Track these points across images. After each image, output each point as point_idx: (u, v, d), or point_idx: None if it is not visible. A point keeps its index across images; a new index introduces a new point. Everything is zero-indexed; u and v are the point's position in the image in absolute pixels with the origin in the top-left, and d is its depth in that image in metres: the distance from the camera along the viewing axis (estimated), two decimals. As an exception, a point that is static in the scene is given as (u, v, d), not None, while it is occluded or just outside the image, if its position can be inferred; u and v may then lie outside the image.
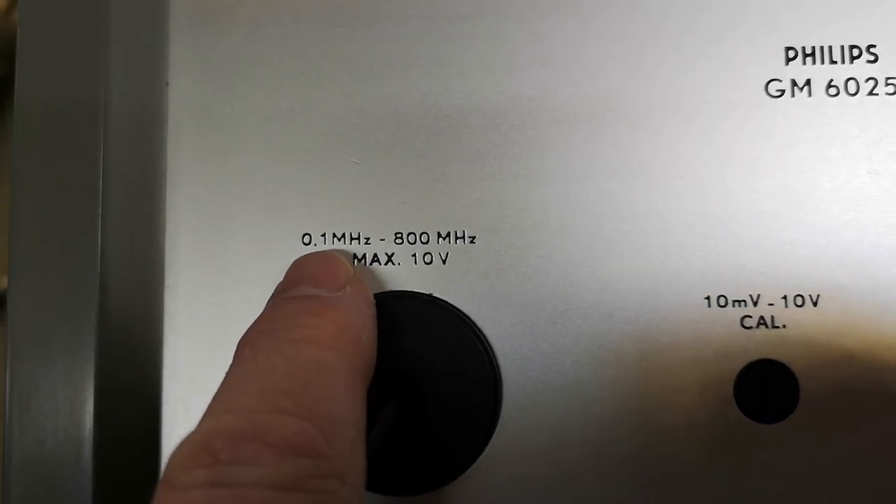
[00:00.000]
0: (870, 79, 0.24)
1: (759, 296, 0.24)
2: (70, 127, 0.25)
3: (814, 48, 0.25)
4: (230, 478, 0.18)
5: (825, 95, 0.24)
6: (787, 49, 0.25)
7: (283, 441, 0.18)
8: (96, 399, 0.24)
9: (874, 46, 0.25)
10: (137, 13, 0.26)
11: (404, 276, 0.25)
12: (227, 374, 0.21)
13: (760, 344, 0.24)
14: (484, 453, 0.24)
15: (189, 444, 0.19)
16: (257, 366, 0.21)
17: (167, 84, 0.26)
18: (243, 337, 0.22)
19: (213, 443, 0.18)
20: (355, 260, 0.25)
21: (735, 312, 0.24)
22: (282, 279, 0.24)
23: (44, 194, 0.25)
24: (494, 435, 0.24)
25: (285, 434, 0.19)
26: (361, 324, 0.23)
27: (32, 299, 0.25)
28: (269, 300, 0.24)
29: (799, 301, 0.24)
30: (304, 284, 0.23)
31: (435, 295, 0.25)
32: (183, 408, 0.25)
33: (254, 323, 0.23)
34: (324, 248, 0.25)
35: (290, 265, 0.24)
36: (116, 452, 0.25)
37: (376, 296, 0.24)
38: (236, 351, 0.22)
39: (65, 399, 0.24)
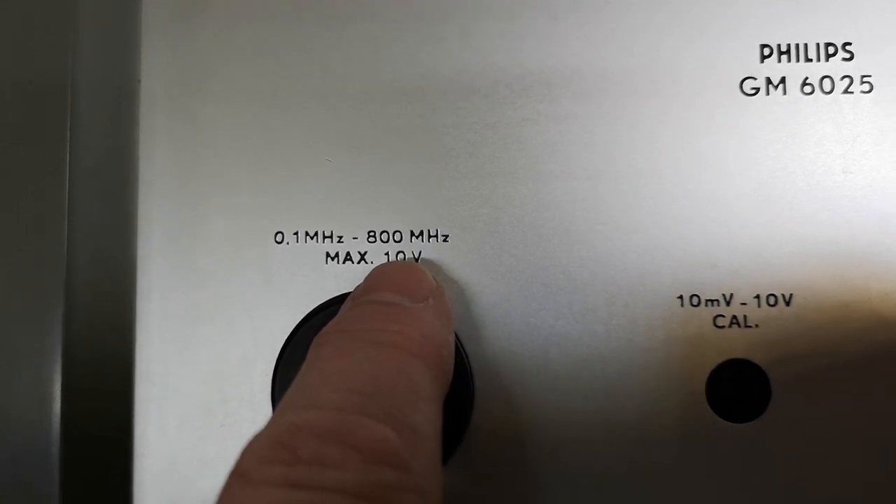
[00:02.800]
0: (845, 77, 0.24)
1: (731, 295, 0.24)
2: (36, 123, 0.25)
3: (789, 46, 0.24)
4: (311, 479, 0.17)
5: (800, 93, 0.24)
6: (763, 47, 0.24)
7: (368, 446, 0.17)
8: (63, 400, 0.24)
9: (850, 44, 0.24)
10: (109, 7, 0.26)
11: (377, 274, 0.25)
12: (303, 369, 0.20)
13: (733, 343, 0.24)
14: (458, 449, 0.24)
15: (266, 438, 0.18)
16: (338, 364, 0.20)
17: (139, 80, 0.26)
18: (320, 335, 0.21)
19: (294, 438, 0.17)
20: (327, 258, 0.25)
21: (708, 312, 0.24)
22: (361, 283, 0.23)
23: (8, 192, 0.24)
24: (468, 431, 0.24)
25: (371, 439, 0.18)
26: (443, 338, 0.22)
27: None
28: (346, 303, 0.23)
29: (772, 301, 0.24)
30: (386, 291, 0.22)
31: (408, 294, 0.25)
32: (156, 407, 0.25)
33: (331, 322, 0.22)
34: (296, 247, 0.25)
35: (371, 270, 0.24)
36: (85, 453, 0.25)
37: (346, 294, 0.24)
38: (312, 347, 0.21)
39: (32, 401, 0.24)
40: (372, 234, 0.25)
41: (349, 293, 0.24)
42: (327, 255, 0.25)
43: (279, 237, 0.25)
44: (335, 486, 0.17)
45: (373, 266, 0.25)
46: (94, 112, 0.25)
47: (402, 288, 0.22)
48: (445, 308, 0.23)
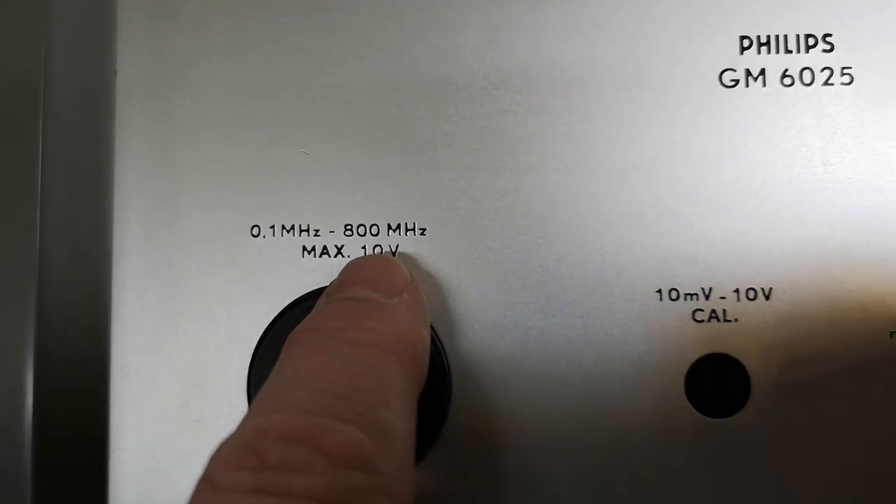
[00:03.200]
0: (825, 68, 0.24)
1: (710, 289, 0.24)
2: (8, 116, 0.24)
3: (769, 37, 0.24)
4: (278, 485, 0.17)
5: (780, 85, 0.24)
6: (742, 38, 0.24)
7: (336, 449, 0.17)
8: (36, 396, 0.24)
9: (830, 35, 0.24)
10: (83, 4, 0.26)
11: (354, 268, 0.25)
12: (275, 370, 0.20)
13: (712, 338, 0.24)
14: (435, 444, 0.24)
15: (234, 442, 0.18)
16: (310, 364, 0.19)
17: (115, 73, 0.26)
18: (294, 333, 0.21)
19: (261, 443, 0.17)
20: (304, 252, 0.25)
21: (687, 306, 0.24)
22: (335, 278, 0.23)
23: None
24: (445, 426, 0.24)
25: (339, 442, 0.17)
26: (417, 333, 0.22)
27: None
28: (321, 299, 0.23)
29: (751, 294, 0.24)
30: (360, 286, 0.22)
31: (385, 288, 0.24)
32: (131, 402, 0.25)
33: (305, 320, 0.22)
34: (272, 241, 0.25)
35: (345, 265, 0.23)
36: (60, 448, 0.25)
37: (322, 288, 0.24)
38: (285, 347, 0.21)
39: (3, 398, 0.24)
40: (349, 227, 0.25)
41: (326, 287, 0.24)
42: (304, 248, 0.25)
43: (255, 231, 0.25)
44: (303, 492, 0.17)
45: (350, 259, 0.25)
46: (68, 105, 0.25)
47: (375, 283, 0.22)
48: (420, 302, 0.23)
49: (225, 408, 0.25)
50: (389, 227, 0.25)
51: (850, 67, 0.24)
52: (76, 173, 0.25)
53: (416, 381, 0.21)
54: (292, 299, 0.25)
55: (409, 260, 0.24)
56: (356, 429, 0.18)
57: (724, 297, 0.24)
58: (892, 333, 0.23)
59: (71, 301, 0.25)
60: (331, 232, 0.25)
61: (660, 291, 0.24)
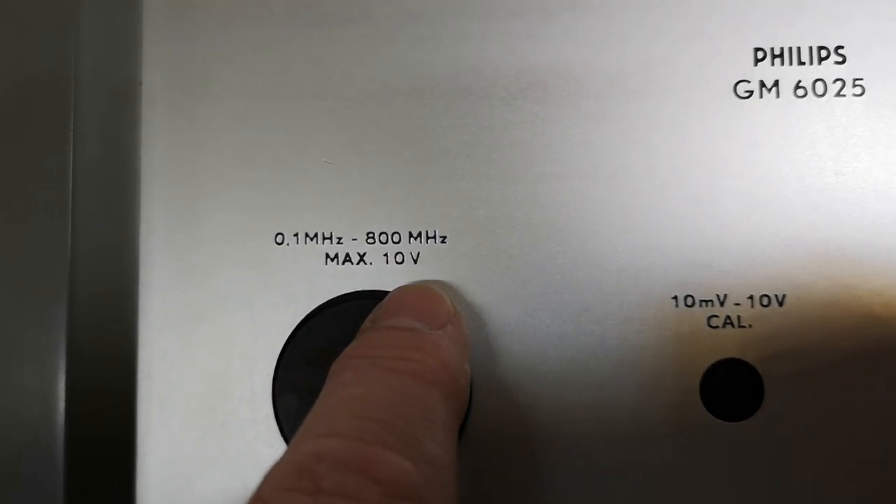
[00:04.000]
0: (837, 80, 0.25)
1: (725, 296, 0.24)
2: (40, 120, 0.25)
3: (782, 49, 0.25)
4: None
5: (793, 96, 0.25)
6: (756, 50, 0.25)
7: (388, 479, 0.17)
8: (67, 398, 0.25)
9: (842, 48, 0.25)
10: (111, 7, 0.26)
11: (376, 275, 0.25)
12: (324, 394, 0.20)
13: (726, 343, 0.24)
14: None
15: (287, 465, 0.18)
16: (360, 392, 0.20)
17: (140, 81, 0.26)
18: (341, 359, 0.21)
19: (315, 467, 0.17)
20: (327, 259, 0.25)
21: (702, 312, 0.24)
22: (379, 306, 0.23)
23: (11, 190, 0.25)
24: (464, 431, 0.25)
25: (391, 472, 0.18)
26: (460, 366, 0.22)
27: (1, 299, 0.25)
28: (365, 324, 0.23)
29: (765, 301, 0.24)
30: (405, 316, 0.23)
31: (406, 294, 0.25)
32: (158, 405, 0.26)
33: (351, 346, 0.22)
34: (296, 248, 0.25)
35: (390, 293, 0.24)
36: (89, 451, 0.25)
37: (347, 295, 0.25)
38: (333, 372, 0.21)
39: (36, 399, 0.25)
40: (371, 235, 0.25)
41: (348, 293, 0.25)
42: (327, 255, 0.25)
43: (279, 238, 0.25)
44: None
45: (371, 266, 0.25)
46: (96, 111, 0.26)
47: (420, 313, 0.23)
48: (462, 335, 0.23)
49: (249, 412, 0.25)
50: (410, 234, 0.25)
51: (861, 79, 0.25)
52: (104, 180, 0.26)
53: (458, 413, 0.22)
54: (315, 306, 0.25)
55: (408, 265, 0.25)
56: (406, 459, 0.18)
57: (738, 304, 0.24)
58: (905, 340, 0.24)
59: (99, 306, 0.26)
60: (353, 239, 0.25)
61: (675, 298, 0.24)
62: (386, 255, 0.25)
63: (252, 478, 0.25)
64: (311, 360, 0.25)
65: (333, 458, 0.18)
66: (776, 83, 0.25)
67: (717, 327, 0.24)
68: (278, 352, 0.25)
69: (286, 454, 0.18)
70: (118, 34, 0.26)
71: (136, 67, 0.26)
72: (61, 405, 0.25)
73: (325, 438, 0.18)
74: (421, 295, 0.23)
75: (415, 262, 0.25)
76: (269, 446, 0.25)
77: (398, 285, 0.25)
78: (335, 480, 0.17)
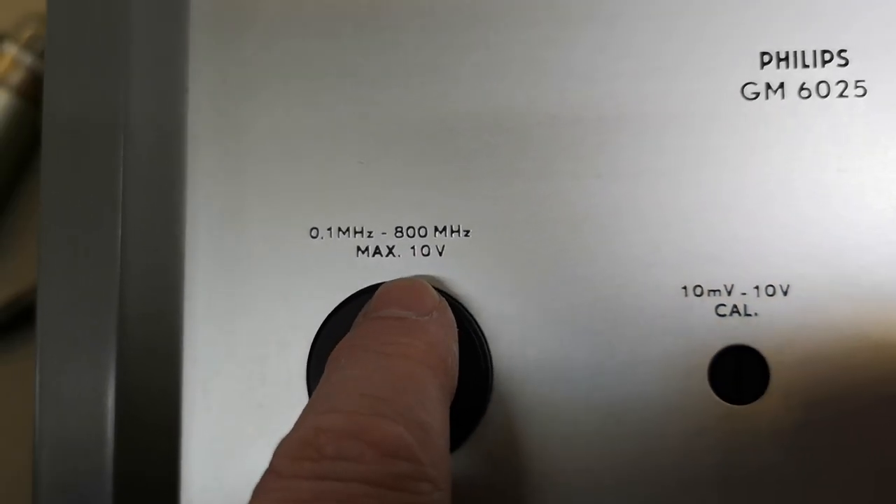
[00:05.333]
0: (840, 81, 0.26)
1: (732, 286, 0.26)
2: (92, 137, 0.27)
3: (787, 53, 0.26)
4: (334, 471, 0.20)
5: (797, 98, 0.26)
6: (763, 54, 0.26)
7: (383, 442, 0.20)
8: (117, 388, 0.27)
9: (845, 51, 0.26)
10: (159, 26, 0.28)
11: (404, 267, 0.27)
12: (323, 379, 0.23)
13: (733, 330, 0.26)
14: (474, 433, 0.26)
15: (295, 439, 0.21)
16: (354, 373, 0.22)
17: (187, 90, 0.28)
18: (337, 349, 0.24)
19: (318, 439, 0.20)
20: (358, 252, 0.27)
21: (710, 301, 0.26)
22: (370, 301, 0.25)
23: (64, 189, 0.27)
24: (485, 416, 0.26)
25: (384, 436, 0.20)
26: (447, 347, 0.24)
27: (58, 303, 0.27)
28: (359, 317, 0.25)
29: (770, 291, 0.26)
30: (393, 307, 0.25)
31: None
32: (201, 388, 0.27)
33: (346, 338, 0.24)
34: (329, 241, 0.27)
35: (379, 288, 0.26)
36: (137, 433, 0.27)
37: (377, 285, 0.26)
38: (330, 361, 0.23)
39: (87, 388, 0.27)
40: (399, 229, 0.27)
41: (378, 284, 0.26)
42: (358, 248, 0.27)
43: (314, 232, 0.27)
44: (357, 477, 0.20)
45: (399, 259, 0.27)
46: (145, 126, 0.28)
47: (408, 303, 0.25)
48: (449, 319, 0.25)
49: (285, 394, 0.27)
50: (436, 228, 0.27)
51: (863, 80, 0.26)
52: (154, 179, 0.28)
53: (447, 389, 0.24)
54: (347, 296, 0.27)
55: (434, 257, 0.27)
56: (399, 425, 0.20)
57: (745, 294, 0.26)
58: (904, 328, 0.25)
59: (148, 300, 0.28)
60: (383, 233, 0.27)
61: (685, 288, 0.26)
62: (413, 247, 0.27)
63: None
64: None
65: (333, 430, 0.20)
66: (781, 85, 0.26)
67: (724, 315, 0.26)
68: (312, 339, 0.27)
69: (292, 431, 0.21)
70: (166, 48, 0.28)
71: (182, 78, 0.28)
72: (112, 389, 0.27)
73: (326, 414, 0.21)
74: (407, 287, 0.25)
75: (440, 254, 0.27)
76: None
77: (425, 277, 0.27)
78: (336, 447, 0.20)
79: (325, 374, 0.23)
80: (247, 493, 0.26)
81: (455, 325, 0.25)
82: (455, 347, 0.25)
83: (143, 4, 0.28)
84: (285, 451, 0.20)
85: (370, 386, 0.22)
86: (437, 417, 0.22)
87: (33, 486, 0.28)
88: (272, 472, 0.20)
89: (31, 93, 0.46)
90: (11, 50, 0.46)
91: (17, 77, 0.46)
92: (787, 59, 0.26)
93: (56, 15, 0.28)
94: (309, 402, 0.22)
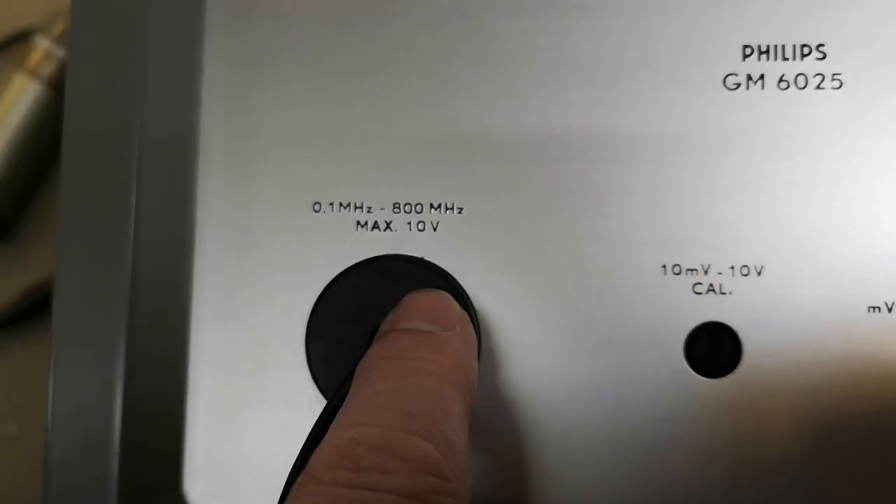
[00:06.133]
0: (818, 74, 0.27)
1: (709, 266, 0.27)
2: (110, 104, 0.29)
3: (768, 46, 0.28)
4: (370, 482, 0.21)
5: (777, 89, 0.27)
6: (745, 47, 0.28)
7: (414, 458, 0.22)
8: (126, 366, 0.28)
9: (823, 45, 0.27)
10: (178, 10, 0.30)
11: (400, 241, 0.29)
12: (353, 390, 0.24)
13: (709, 308, 0.27)
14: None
15: (332, 448, 0.22)
16: (386, 388, 0.24)
17: (202, 72, 0.30)
18: (366, 360, 0.25)
19: (355, 450, 0.22)
20: (357, 226, 0.29)
21: (688, 280, 0.27)
22: (395, 310, 0.27)
23: (81, 163, 0.29)
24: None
25: (416, 453, 0.22)
26: (470, 364, 0.26)
27: (73, 295, 0.29)
28: (384, 326, 0.27)
29: (745, 271, 0.27)
30: (418, 319, 0.26)
31: (426, 258, 0.28)
32: (207, 351, 0.29)
33: (375, 348, 0.26)
34: (330, 215, 0.29)
35: (405, 298, 0.27)
36: (144, 392, 0.29)
37: (374, 258, 0.28)
38: (361, 371, 0.25)
39: (97, 373, 0.28)
40: (397, 205, 0.29)
41: (375, 256, 0.28)
42: (357, 223, 0.29)
43: (317, 207, 0.29)
44: (390, 489, 0.21)
45: (396, 233, 0.28)
46: (162, 98, 0.30)
47: (433, 317, 0.26)
48: (470, 335, 0.27)
49: (286, 357, 0.29)
50: (431, 205, 0.28)
51: (840, 73, 0.27)
52: (167, 157, 0.30)
53: (469, 406, 0.25)
54: (345, 266, 0.28)
55: (428, 232, 0.28)
56: (428, 443, 0.22)
57: (720, 273, 0.27)
58: (869, 308, 0.26)
59: (159, 269, 0.30)
60: (381, 209, 0.29)
61: (664, 266, 0.27)
62: (409, 223, 0.29)
63: (285, 415, 0.28)
64: (341, 314, 0.28)
65: (369, 443, 0.22)
66: (762, 77, 0.27)
67: (700, 293, 0.27)
68: (312, 305, 0.28)
69: (328, 440, 0.23)
70: (183, 33, 0.30)
71: (198, 61, 0.30)
72: (122, 352, 0.28)
73: (361, 427, 0.23)
74: (433, 300, 0.27)
75: (434, 230, 0.28)
76: (301, 388, 0.28)
77: (419, 251, 0.28)
78: (371, 460, 0.22)
79: (354, 385, 0.25)
80: (248, 451, 0.28)
81: (476, 341, 0.27)
82: (475, 363, 0.26)
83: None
84: (323, 458, 0.22)
85: (401, 402, 0.23)
86: (460, 435, 0.24)
87: (45, 463, 0.29)
88: (309, 476, 0.22)
89: (62, 84, 0.48)
90: (44, 43, 0.49)
91: (48, 69, 0.49)
92: (767, 51, 0.28)
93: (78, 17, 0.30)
94: (342, 411, 0.24)
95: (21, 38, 0.53)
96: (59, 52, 0.48)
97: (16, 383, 0.50)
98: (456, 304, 0.27)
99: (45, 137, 0.50)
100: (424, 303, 0.27)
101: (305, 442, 0.24)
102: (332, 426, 0.23)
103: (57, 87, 0.49)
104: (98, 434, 0.29)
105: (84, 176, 0.29)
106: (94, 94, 0.29)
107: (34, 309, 0.50)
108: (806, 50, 0.27)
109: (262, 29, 0.30)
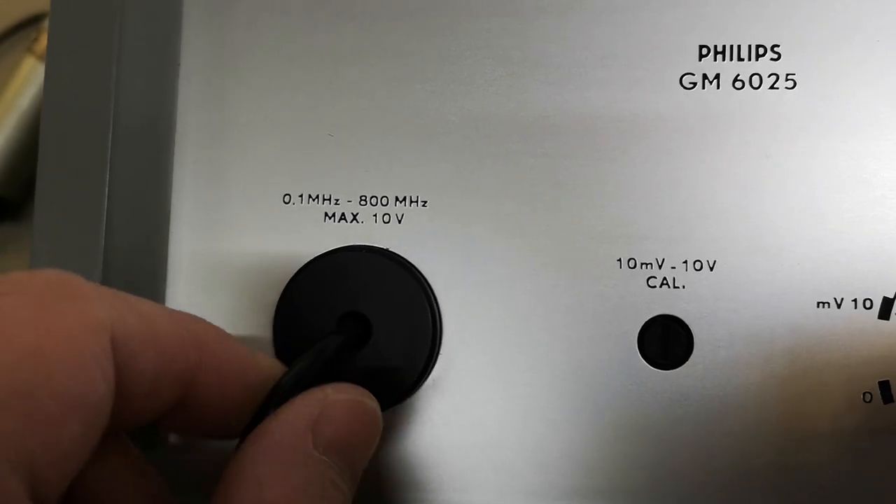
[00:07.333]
0: (772, 74, 0.28)
1: (663, 260, 0.28)
2: (84, 93, 0.30)
3: (724, 47, 0.28)
4: None
5: (732, 88, 0.28)
6: (701, 47, 0.28)
7: None
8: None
9: (778, 46, 0.28)
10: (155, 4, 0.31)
11: (366, 232, 0.30)
12: None
13: (662, 301, 0.28)
14: (425, 384, 0.29)
15: None
16: None
17: (179, 64, 0.31)
18: None
19: None
20: (325, 217, 0.30)
21: (643, 273, 0.28)
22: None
23: (59, 144, 0.30)
24: (435, 368, 0.29)
25: None
26: None
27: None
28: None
29: (698, 266, 0.28)
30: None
31: (390, 249, 0.29)
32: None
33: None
34: (300, 207, 0.30)
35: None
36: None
37: (341, 248, 0.29)
38: None
39: None
40: (363, 198, 0.30)
41: (341, 247, 0.29)
42: (325, 214, 0.30)
43: (287, 198, 0.30)
44: None
45: (362, 224, 0.29)
46: (138, 88, 0.30)
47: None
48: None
49: (260, 333, 0.30)
50: (397, 198, 0.29)
51: (794, 74, 0.28)
52: (143, 147, 0.31)
53: None
54: (313, 256, 0.29)
55: (393, 224, 0.29)
56: None
57: (674, 267, 0.28)
58: (818, 303, 0.27)
59: (134, 255, 0.31)
60: (348, 201, 0.30)
61: (620, 260, 0.28)
62: (375, 215, 0.29)
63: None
64: (306, 301, 0.29)
65: None
66: (717, 76, 0.28)
67: (654, 287, 0.28)
68: (282, 290, 0.29)
69: None
70: (159, 26, 0.31)
71: (175, 53, 0.31)
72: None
73: None
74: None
75: (399, 222, 0.29)
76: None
77: (384, 242, 0.29)
78: None
79: None
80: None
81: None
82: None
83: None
84: None
85: None
86: None
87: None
88: None
89: None
90: None
91: None
92: (723, 52, 0.28)
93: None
94: None
95: (30, 23, 0.55)
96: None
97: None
98: None
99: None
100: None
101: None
102: None
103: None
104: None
105: (59, 164, 0.30)
106: (69, 83, 0.30)
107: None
108: (761, 50, 0.28)
109: (238, 22, 0.31)
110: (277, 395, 0.25)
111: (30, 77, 0.53)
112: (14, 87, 0.53)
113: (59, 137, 0.29)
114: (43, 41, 0.52)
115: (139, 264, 0.30)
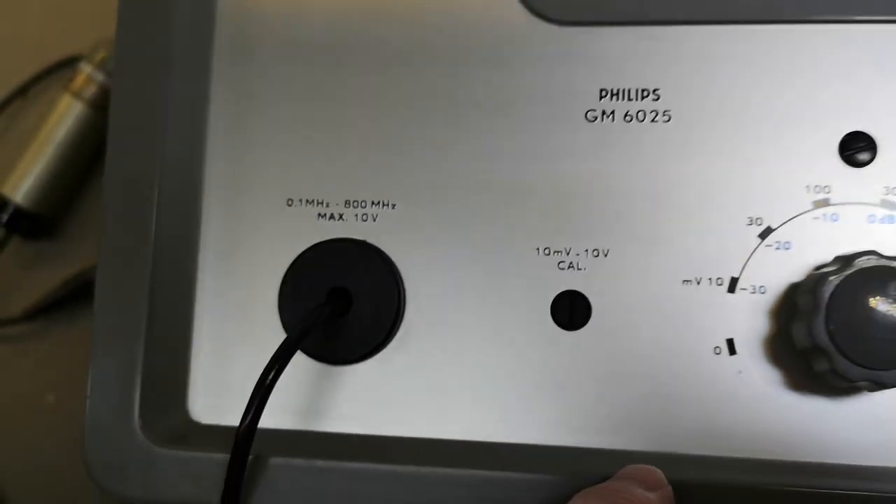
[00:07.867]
0: (653, 111, 0.37)
1: (570, 248, 0.37)
2: (135, 89, 0.39)
3: (618, 90, 0.38)
4: None
5: (623, 121, 0.37)
6: (601, 90, 0.38)
7: None
8: (148, 318, 0.38)
9: (658, 90, 0.37)
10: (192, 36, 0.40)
11: (348, 229, 0.39)
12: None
13: (569, 279, 0.37)
14: (388, 345, 0.38)
15: None
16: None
17: (209, 100, 0.40)
18: (583, 495, 0.31)
19: None
20: (318, 216, 0.39)
21: (554, 258, 0.37)
22: (618, 473, 0.33)
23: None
24: (397, 333, 0.38)
25: None
26: None
27: (110, 288, 0.38)
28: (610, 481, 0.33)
29: (596, 253, 0.37)
30: (631, 479, 0.32)
31: (368, 241, 0.38)
32: (209, 317, 0.39)
33: (596, 487, 0.31)
34: (300, 208, 0.39)
35: (626, 467, 0.33)
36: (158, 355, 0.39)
37: (329, 240, 0.38)
38: (580, 497, 0.30)
39: (125, 343, 0.38)
40: (347, 201, 0.39)
41: (329, 239, 0.38)
42: (318, 214, 0.39)
43: (290, 202, 0.39)
44: None
45: (346, 222, 0.38)
46: (176, 138, 0.40)
47: (642, 479, 0.32)
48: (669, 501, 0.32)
49: (263, 314, 0.39)
50: (372, 202, 0.39)
51: (669, 110, 0.37)
52: (179, 167, 0.40)
53: None
54: (308, 246, 0.39)
55: (370, 223, 0.38)
56: None
57: (578, 254, 0.37)
58: (683, 281, 0.36)
59: (170, 250, 0.39)
60: (336, 204, 0.39)
61: (538, 249, 0.37)
62: (356, 215, 0.39)
63: (263, 353, 0.38)
64: (304, 278, 0.38)
65: None
66: (612, 112, 0.37)
67: (563, 269, 0.37)
68: (282, 275, 0.38)
69: None
70: (195, 63, 0.40)
71: (206, 90, 0.40)
72: (144, 318, 0.38)
73: None
74: (645, 470, 0.33)
75: (374, 221, 0.39)
76: (273, 333, 0.39)
77: (362, 235, 0.38)
78: None
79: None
80: (235, 383, 0.38)
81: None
82: None
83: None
84: None
85: None
86: None
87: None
88: None
89: (100, 104, 0.57)
90: (87, 69, 0.57)
91: (90, 91, 0.57)
92: (618, 94, 0.38)
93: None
94: None
95: (67, 64, 0.60)
96: (100, 76, 0.56)
97: (54, 361, 0.58)
98: (663, 478, 0.32)
99: (85, 149, 0.57)
100: (639, 471, 0.32)
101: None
102: None
103: (96, 106, 0.56)
104: (124, 387, 0.39)
105: (119, 197, 0.39)
106: (131, 147, 0.39)
107: (71, 297, 0.58)
108: (645, 93, 0.37)
109: (258, 63, 0.40)
110: (286, 348, 0.34)
111: (65, 113, 0.57)
112: (52, 120, 0.57)
113: (121, 184, 0.39)
114: (79, 80, 0.57)
115: (176, 269, 0.39)
